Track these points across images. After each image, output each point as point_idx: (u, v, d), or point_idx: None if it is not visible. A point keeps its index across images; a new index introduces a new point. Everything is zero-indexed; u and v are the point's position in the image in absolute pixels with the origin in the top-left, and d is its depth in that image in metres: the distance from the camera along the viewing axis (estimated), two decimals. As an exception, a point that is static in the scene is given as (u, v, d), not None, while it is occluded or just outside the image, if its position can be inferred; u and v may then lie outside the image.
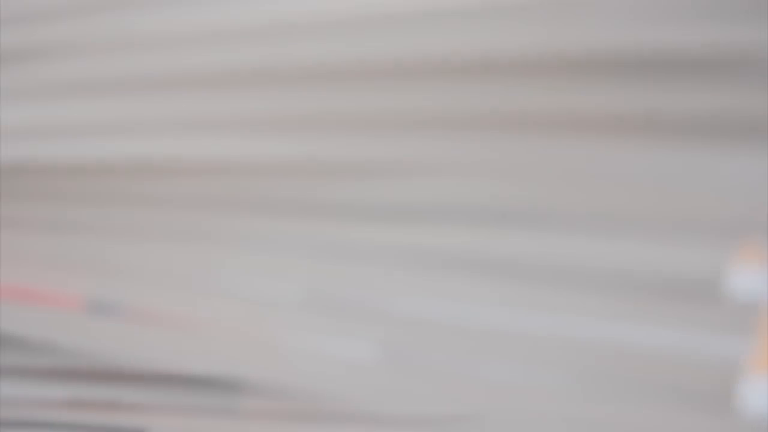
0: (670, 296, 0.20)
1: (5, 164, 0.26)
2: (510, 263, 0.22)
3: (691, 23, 0.19)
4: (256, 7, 0.23)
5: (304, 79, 0.22)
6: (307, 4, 0.22)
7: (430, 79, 0.21)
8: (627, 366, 0.21)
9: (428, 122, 0.22)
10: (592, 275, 0.21)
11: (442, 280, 0.22)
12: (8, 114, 0.25)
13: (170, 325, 0.24)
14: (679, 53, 0.20)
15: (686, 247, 0.20)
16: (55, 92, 0.25)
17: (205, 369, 0.24)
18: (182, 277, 0.24)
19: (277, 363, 0.23)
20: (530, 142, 0.21)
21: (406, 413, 0.22)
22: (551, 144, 0.21)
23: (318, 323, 0.23)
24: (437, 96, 0.21)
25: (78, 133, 0.25)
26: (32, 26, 0.25)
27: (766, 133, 0.19)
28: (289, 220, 0.23)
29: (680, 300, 0.20)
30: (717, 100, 0.20)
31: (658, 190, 0.20)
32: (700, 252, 0.20)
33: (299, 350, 0.23)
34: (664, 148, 0.20)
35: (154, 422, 0.26)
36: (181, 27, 0.23)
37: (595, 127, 0.20)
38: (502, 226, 0.22)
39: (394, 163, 0.22)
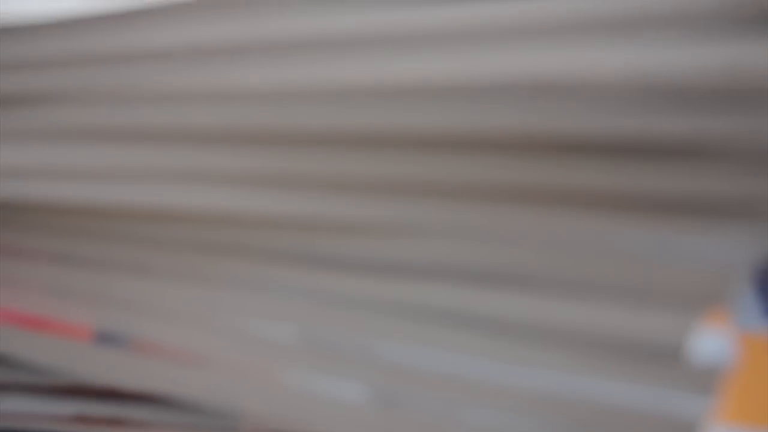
0: (640, 357, 0.22)
1: (16, 199, 0.27)
2: (492, 319, 0.23)
3: (666, 111, 0.21)
4: (260, 69, 0.24)
5: (305, 141, 0.23)
6: (310, 71, 0.23)
7: (424, 148, 0.23)
8: (598, 419, 0.22)
9: (420, 188, 0.23)
10: (569, 335, 0.22)
11: (429, 331, 0.24)
12: (18, 154, 0.26)
13: (173, 358, 0.26)
14: (657, 139, 0.21)
15: (657, 313, 0.22)
16: (63, 136, 0.26)
17: (204, 400, 0.25)
18: (185, 314, 0.26)
19: (272, 397, 0.25)
20: (515, 212, 0.22)
21: None
22: (534, 214, 0.22)
23: (310, 363, 0.25)
24: (429, 164, 0.23)
25: (88, 177, 0.26)
26: (44, 71, 0.26)
27: (731, 215, 0.21)
28: (286, 268, 0.25)
29: (649, 361, 0.22)
30: (688, 183, 0.21)
31: (632, 260, 0.22)
32: (669, 318, 0.22)
33: (292, 387, 0.25)
34: (639, 223, 0.22)
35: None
36: (187, 83, 0.24)
37: (574, 202, 0.22)
38: (486, 285, 0.23)
39: (386, 223, 0.23)
